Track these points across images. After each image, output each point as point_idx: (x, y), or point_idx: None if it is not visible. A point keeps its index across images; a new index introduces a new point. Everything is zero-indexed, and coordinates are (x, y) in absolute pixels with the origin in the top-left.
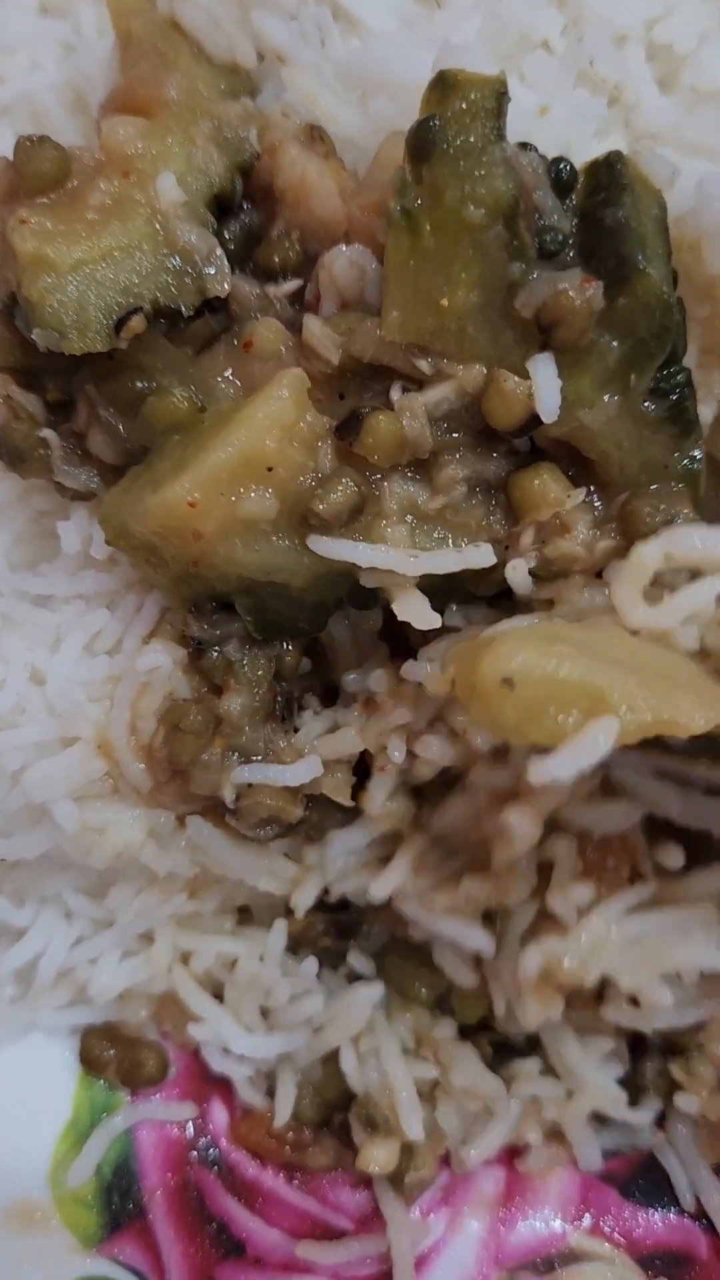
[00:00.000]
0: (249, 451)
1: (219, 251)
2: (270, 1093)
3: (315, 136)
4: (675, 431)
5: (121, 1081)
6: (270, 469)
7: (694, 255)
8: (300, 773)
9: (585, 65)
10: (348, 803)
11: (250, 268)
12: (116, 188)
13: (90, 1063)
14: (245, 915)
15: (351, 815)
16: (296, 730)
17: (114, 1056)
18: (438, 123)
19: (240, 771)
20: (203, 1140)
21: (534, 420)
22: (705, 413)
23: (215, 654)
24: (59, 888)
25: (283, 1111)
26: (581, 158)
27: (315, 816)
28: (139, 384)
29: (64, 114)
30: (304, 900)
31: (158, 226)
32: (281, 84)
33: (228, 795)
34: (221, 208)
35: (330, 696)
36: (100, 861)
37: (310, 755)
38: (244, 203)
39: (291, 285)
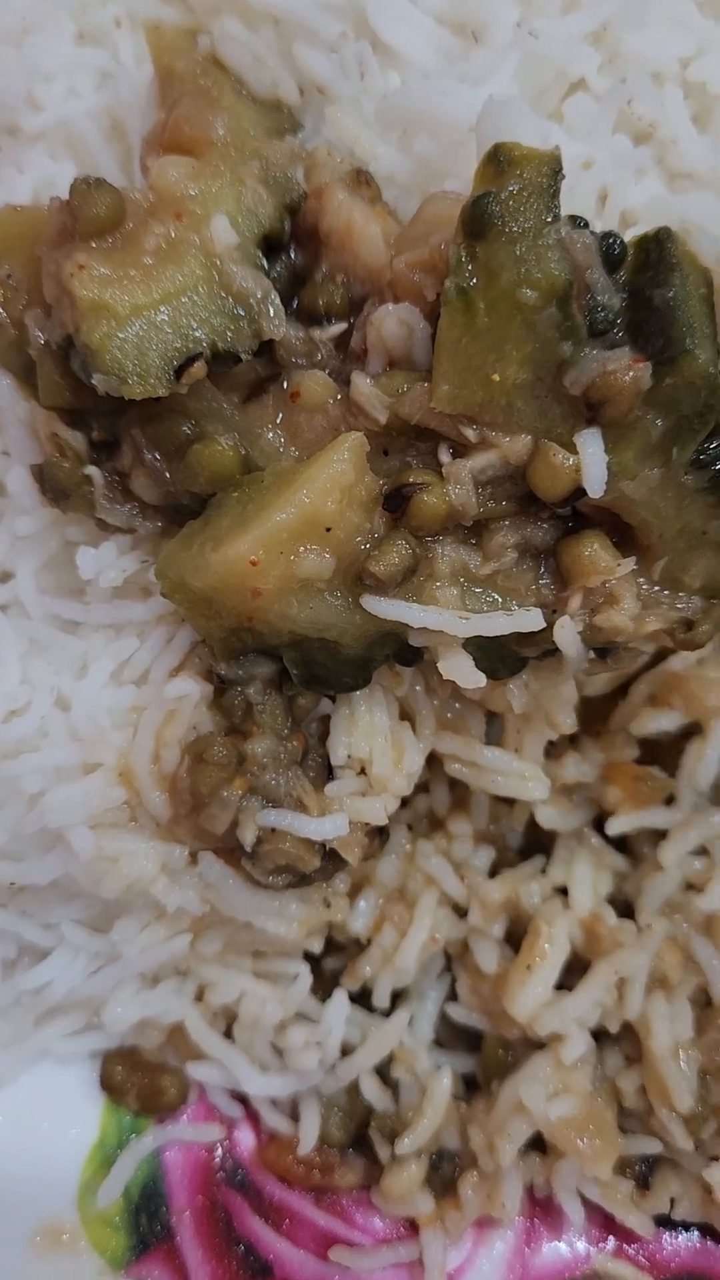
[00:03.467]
0: (310, 513)
1: (274, 295)
2: (295, 1117)
3: (362, 180)
4: (714, 500)
5: (141, 1108)
6: (329, 530)
7: None
8: (326, 828)
9: (623, 105)
10: (355, 862)
11: (294, 308)
12: (170, 231)
13: (111, 1088)
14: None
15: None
16: (330, 779)
17: (134, 1082)
18: (494, 202)
19: (266, 815)
20: (229, 1162)
21: (579, 491)
22: None
23: (237, 693)
24: (61, 918)
25: (308, 1139)
26: (620, 202)
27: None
28: (185, 429)
29: (101, 141)
30: None
31: (213, 270)
32: (321, 119)
33: (248, 837)
34: (269, 247)
35: None
36: (110, 892)
37: (339, 814)
38: (290, 244)
39: (336, 329)
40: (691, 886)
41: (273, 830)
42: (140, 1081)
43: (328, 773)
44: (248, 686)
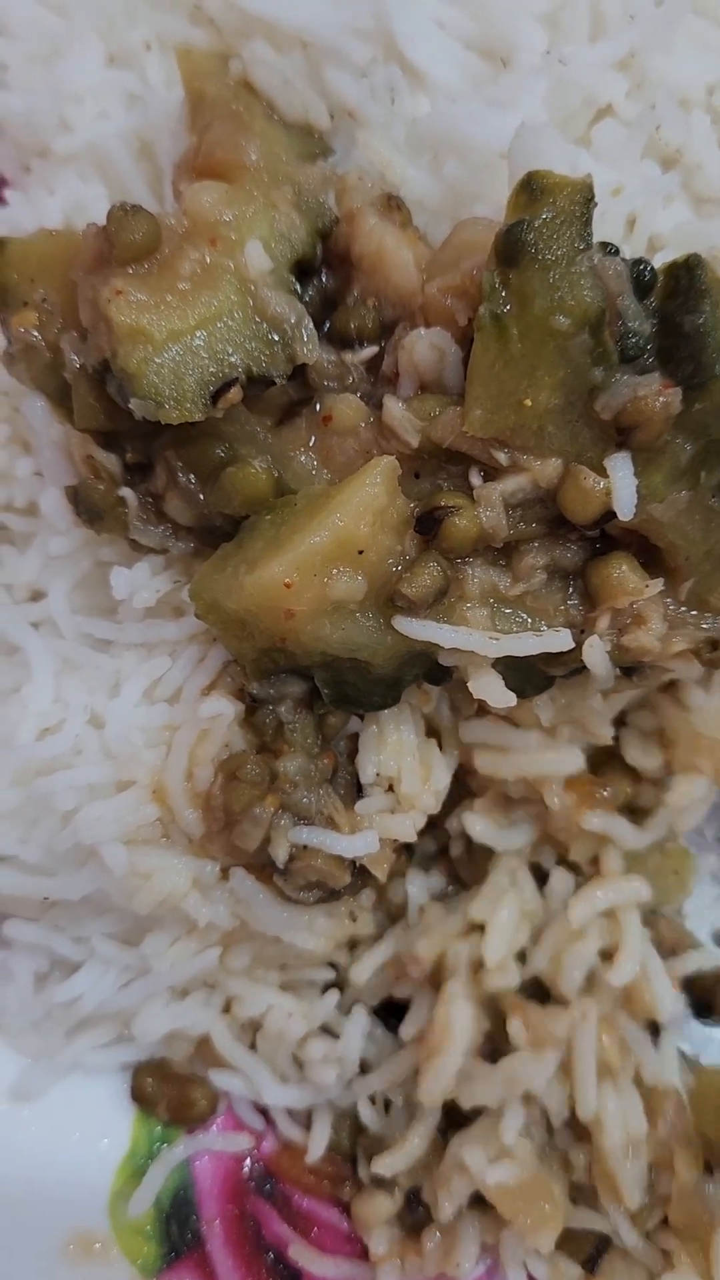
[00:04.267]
0: (343, 536)
1: (307, 319)
2: (309, 1126)
3: (393, 205)
4: None
5: (172, 1119)
6: (361, 552)
7: None
8: (357, 845)
9: (651, 131)
10: (384, 878)
11: (326, 331)
12: (205, 256)
13: (142, 1099)
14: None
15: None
16: (360, 796)
17: (164, 1093)
18: (528, 230)
19: (298, 832)
20: (258, 1170)
21: (609, 514)
22: None
23: (269, 712)
24: (92, 932)
25: (316, 1148)
26: (648, 227)
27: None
28: (219, 452)
29: (131, 163)
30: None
31: (247, 296)
32: (351, 142)
33: (280, 854)
34: (301, 271)
35: None
36: (144, 907)
37: (369, 830)
38: (321, 267)
39: (368, 352)
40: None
41: (305, 847)
42: (170, 1093)
43: (357, 790)
44: (279, 705)
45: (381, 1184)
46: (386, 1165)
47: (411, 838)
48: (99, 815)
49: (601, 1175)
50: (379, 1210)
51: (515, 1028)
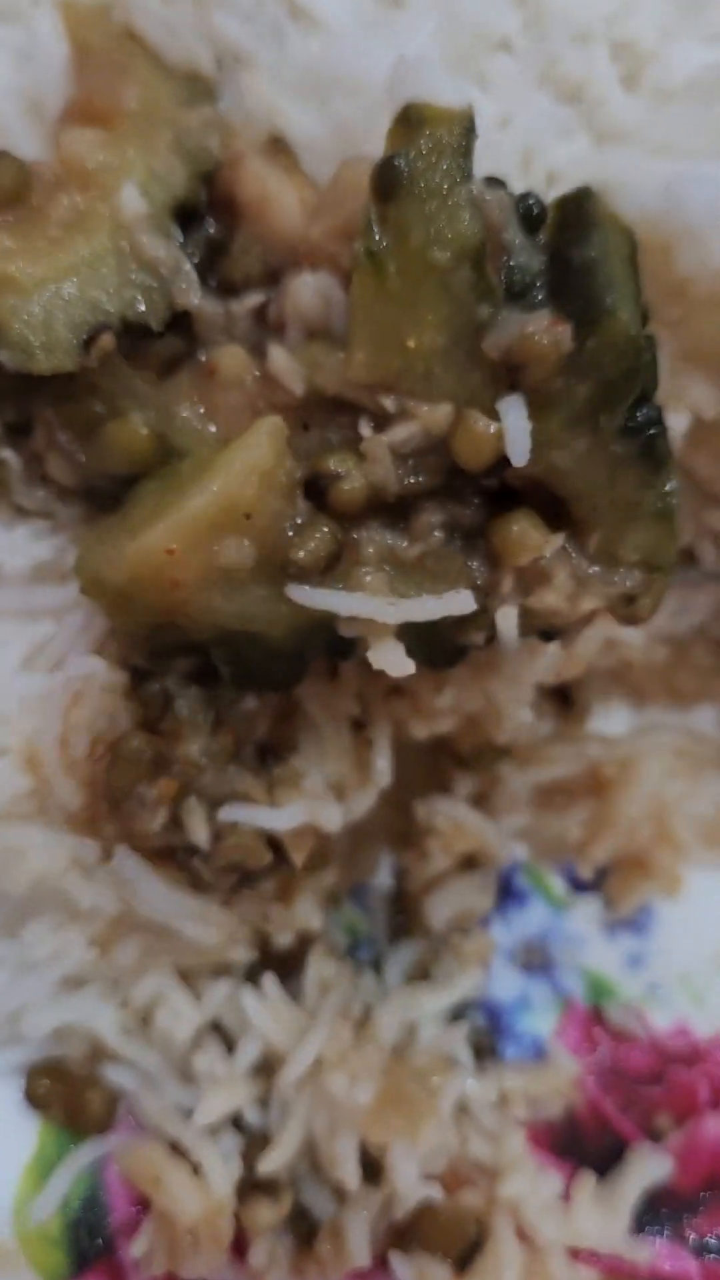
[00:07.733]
0: (227, 499)
1: (186, 265)
2: None
3: (278, 148)
4: (646, 470)
5: (66, 1123)
6: (248, 516)
7: (663, 258)
8: (283, 818)
9: (546, 65)
10: (299, 864)
11: (214, 281)
12: (78, 202)
13: (35, 1101)
14: None
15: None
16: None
17: (59, 1095)
18: (403, 162)
19: (229, 811)
20: None
21: (504, 461)
22: (678, 422)
23: (156, 685)
24: None
25: None
26: (544, 164)
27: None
28: (98, 408)
29: (21, 122)
30: None
31: (122, 241)
32: (240, 89)
33: (202, 836)
34: (185, 218)
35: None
36: (18, 886)
37: (296, 804)
38: (207, 215)
39: (254, 300)
40: None
41: (233, 825)
42: (65, 1095)
43: (262, 763)
44: (165, 678)
45: (266, 1188)
46: (271, 1161)
47: (335, 827)
48: None
49: None
50: (261, 1217)
51: None
